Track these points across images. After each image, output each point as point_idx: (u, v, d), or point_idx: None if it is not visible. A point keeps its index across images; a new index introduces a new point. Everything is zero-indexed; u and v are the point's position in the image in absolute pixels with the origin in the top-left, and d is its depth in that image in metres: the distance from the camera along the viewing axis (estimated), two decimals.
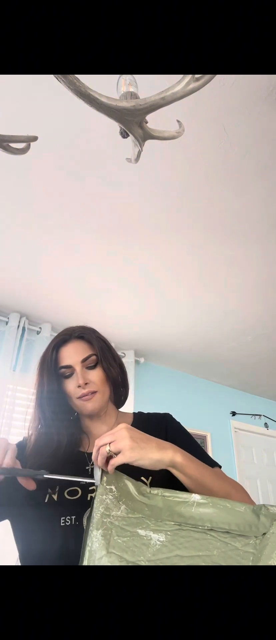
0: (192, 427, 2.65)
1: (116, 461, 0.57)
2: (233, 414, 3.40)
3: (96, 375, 0.77)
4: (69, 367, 0.76)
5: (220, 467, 0.75)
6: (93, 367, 0.78)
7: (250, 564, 0.46)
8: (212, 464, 0.73)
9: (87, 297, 2.14)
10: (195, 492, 0.59)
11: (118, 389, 0.85)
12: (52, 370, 0.76)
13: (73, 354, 0.77)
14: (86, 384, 0.75)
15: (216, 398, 3.37)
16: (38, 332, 2.32)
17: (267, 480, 3.30)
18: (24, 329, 2.27)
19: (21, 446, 0.76)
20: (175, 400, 2.99)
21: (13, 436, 2.02)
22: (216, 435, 3.11)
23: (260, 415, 3.57)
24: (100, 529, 0.53)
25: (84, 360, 0.77)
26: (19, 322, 2.24)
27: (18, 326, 2.23)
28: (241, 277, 1.97)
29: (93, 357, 0.78)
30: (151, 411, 0.89)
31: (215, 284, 2.04)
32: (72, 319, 2.31)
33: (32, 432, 0.75)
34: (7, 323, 2.23)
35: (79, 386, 0.75)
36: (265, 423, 3.59)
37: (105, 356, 0.79)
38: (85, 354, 0.77)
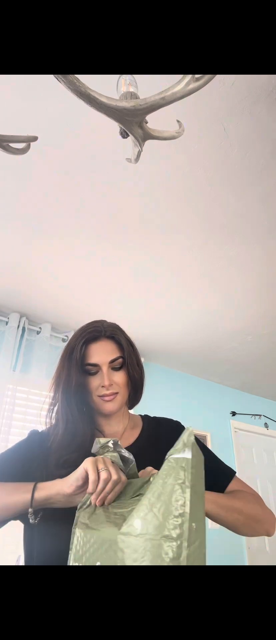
0: (192, 427, 2.63)
1: None
2: (233, 414, 3.40)
3: (120, 378, 0.77)
4: (95, 365, 0.76)
5: (235, 472, 0.80)
6: (118, 369, 0.78)
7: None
8: (229, 473, 0.79)
9: (87, 297, 2.14)
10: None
11: (137, 391, 0.85)
12: (79, 364, 0.75)
13: (102, 353, 0.77)
14: (110, 385, 0.75)
15: (216, 398, 3.37)
16: (38, 332, 2.32)
17: (267, 480, 3.30)
18: (24, 329, 2.27)
19: (42, 438, 0.76)
20: (175, 400, 2.99)
21: (13, 436, 2.02)
22: (216, 435, 3.11)
23: (260, 415, 3.57)
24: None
25: (112, 362, 0.77)
26: (19, 322, 2.24)
27: (18, 326, 2.23)
28: (241, 277, 1.97)
29: (120, 360, 0.78)
30: (152, 412, 0.89)
31: (215, 284, 2.04)
32: (72, 319, 2.32)
33: (59, 426, 0.74)
34: (7, 323, 2.23)
35: (103, 386, 0.75)
36: (265, 423, 3.59)
37: (131, 360, 0.80)
38: (113, 355, 0.77)
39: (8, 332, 2.19)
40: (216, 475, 0.77)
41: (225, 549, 2.61)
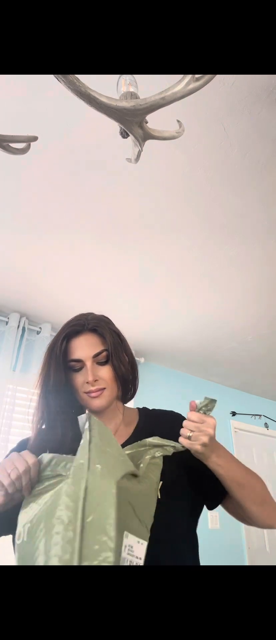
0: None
1: (187, 443, 0.70)
2: (233, 414, 3.40)
3: (106, 372, 0.74)
4: (79, 360, 0.73)
5: None
6: (104, 363, 0.75)
7: None
8: None
9: (87, 298, 2.14)
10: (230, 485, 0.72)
11: (127, 385, 0.82)
12: (60, 360, 0.73)
13: (85, 348, 0.74)
14: (95, 380, 0.72)
15: (217, 398, 3.36)
16: (38, 332, 2.32)
17: (267, 481, 3.28)
18: (24, 329, 2.27)
19: (24, 443, 0.75)
20: (175, 400, 2.99)
21: (13, 436, 2.02)
22: (216, 436, 3.10)
23: (260, 415, 3.57)
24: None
25: (96, 356, 0.74)
26: (19, 322, 2.24)
27: (18, 326, 2.23)
28: (241, 277, 1.97)
29: (105, 353, 0.75)
30: None
31: (215, 284, 2.03)
32: None
33: (35, 425, 0.72)
34: (7, 323, 2.23)
35: (88, 382, 0.72)
36: (265, 423, 3.59)
37: (117, 352, 0.76)
38: (97, 349, 0.74)
39: (8, 332, 2.19)
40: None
41: (225, 549, 2.61)
